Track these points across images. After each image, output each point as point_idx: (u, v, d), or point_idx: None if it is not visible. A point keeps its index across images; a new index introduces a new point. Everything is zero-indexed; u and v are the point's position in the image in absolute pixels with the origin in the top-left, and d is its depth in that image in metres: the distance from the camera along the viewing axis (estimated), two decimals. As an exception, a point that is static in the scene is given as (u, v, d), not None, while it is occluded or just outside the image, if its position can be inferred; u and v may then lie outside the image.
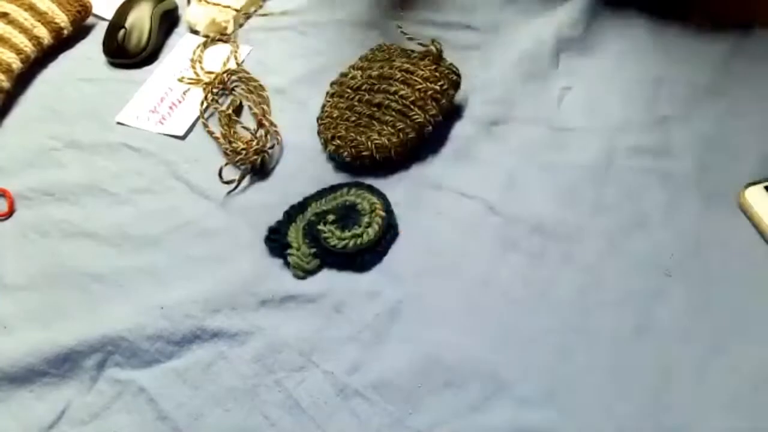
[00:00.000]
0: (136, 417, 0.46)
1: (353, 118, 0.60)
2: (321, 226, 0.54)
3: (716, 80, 0.64)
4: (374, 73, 0.61)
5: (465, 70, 0.63)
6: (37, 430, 0.46)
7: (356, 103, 0.60)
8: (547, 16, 0.70)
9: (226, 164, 0.59)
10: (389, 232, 0.54)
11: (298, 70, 0.70)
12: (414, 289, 0.51)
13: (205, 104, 0.66)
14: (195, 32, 0.75)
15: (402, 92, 0.59)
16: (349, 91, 0.61)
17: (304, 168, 0.61)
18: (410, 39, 0.64)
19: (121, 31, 0.72)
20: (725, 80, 0.64)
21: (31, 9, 0.71)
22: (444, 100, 0.59)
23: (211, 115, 0.66)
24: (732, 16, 0.68)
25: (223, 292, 0.51)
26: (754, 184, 0.55)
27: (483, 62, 0.66)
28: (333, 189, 0.57)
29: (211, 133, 0.64)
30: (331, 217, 0.54)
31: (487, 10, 0.74)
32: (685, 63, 0.66)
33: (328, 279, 0.52)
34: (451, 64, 0.61)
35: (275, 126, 0.64)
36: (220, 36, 0.74)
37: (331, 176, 0.60)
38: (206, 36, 0.74)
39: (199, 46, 0.73)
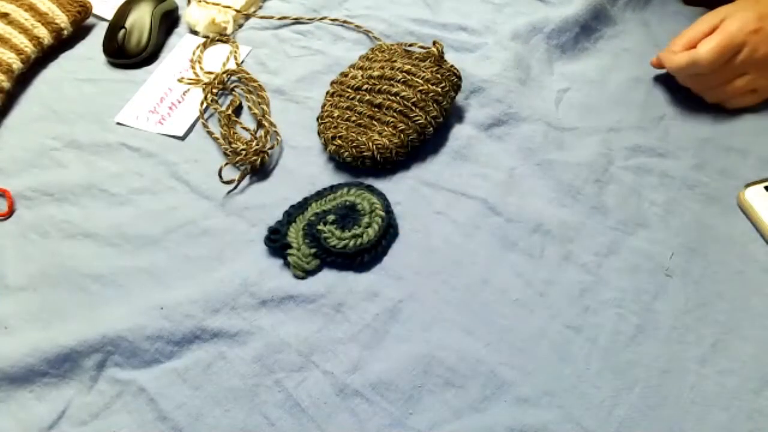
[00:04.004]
0: (136, 417, 0.46)
1: (354, 118, 0.60)
2: (321, 226, 0.54)
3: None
4: (375, 74, 0.61)
5: (462, 71, 0.63)
6: (37, 430, 0.46)
7: (357, 103, 0.61)
8: (544, 16, 0.70)
9: (226, 164, 0.59)
10: (389, 232, 0.54)
11: (298, 70, 0.70)
12: (414, 289, 0.51)
13: (204, 104, 0.66)
14: (195, 32, 0.75)
15: (403, 93, 0.59)
16: (349, 90, 0.62)
17: (304, 168, 0.61)
18: (411, 44, 0.64)
19: (121, 32, 0.72)
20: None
21: (32, 9, 0.71)
22: (445, 102, 0.59)
23: (211, 115, 0.66)
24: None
25: (223, 292, 0.51)
26: (754, 184, 0.55)
27: (480, 63, 0.66)
28: (333, 189, 0.57)
29: (210, 133, 0.64)
30: (331, 217, 0.54)
31: (484, 11, 0.74)
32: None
33: (328, 279, 0.52)
34: (452, 65, 0.61)
35: (275, 126, 0.64)
36: (219, 36, 0.74)
37: (331, 176, 0.60)
38: (206, 36, 0.74)
39: (198, 46, 0.73)
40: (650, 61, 0.63)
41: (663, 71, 0.65)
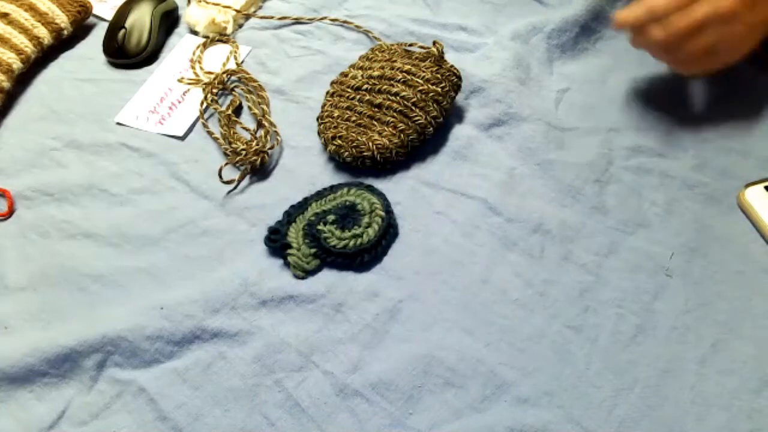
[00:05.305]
0: (136, 417, 0.46)
1: (354, 118, 0.60)
2: (321, 226, 0.54)
3: (714, 80, 0.64)
4: (375, 74, 0.61)
5: (462, 71, 0.63)
6: (37, 430, 0.46)
7: (357, 103, 0.61)
8: (544, 17, 0.70)
9: (226, 164, 0.59)
10: (389, 232, 0.54)
11: (298, 70, 0.70)
12: (414, 289, 0.51)
13: (204, 104, 0.66)
14: (195, 33, 0.75)
15: (403, 93, 0.59)
16: (349, 90, 0.62)
17: (304, 168, 0.61)
18: (411, 44, 0.64)
19: (122, 32, 0.72)
20: (723, 80, 0.64)
21: (32, 9, 0.71)
22: (445, 102, 0.59)
23: (211, 115, 0.66)
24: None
25: (223, 292, 0.51)
26: (754, 184, 0.55)
27: (480, 63, 0.66)
28: (333, 189, 0.57)
29: (210, 133, 0.64)
30: (331, 217, 0.54)
31: (484, 11, 0.74)
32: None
33: (328, 279, 0.52)
34: (452, 65, 0.61)
35: (275, 126, 0.64)
36: (219, 36, 0.74)
37: (331, 176, 0.60)
38: (206, 36, 0.74)
39: (198, 46, 0.73)
40: (613, 24, 0.58)
41: (662, 70, 0.66)
